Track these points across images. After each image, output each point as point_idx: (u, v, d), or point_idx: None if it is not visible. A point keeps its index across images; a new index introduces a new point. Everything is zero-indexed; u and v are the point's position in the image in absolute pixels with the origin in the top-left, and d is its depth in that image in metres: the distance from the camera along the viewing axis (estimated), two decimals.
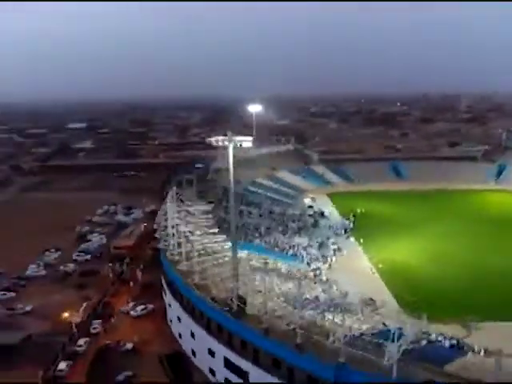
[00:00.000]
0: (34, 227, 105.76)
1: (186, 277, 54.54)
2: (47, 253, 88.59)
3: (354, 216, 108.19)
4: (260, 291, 48.28)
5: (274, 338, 42.21)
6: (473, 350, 52.20)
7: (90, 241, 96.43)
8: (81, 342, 57.03)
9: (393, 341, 34.79)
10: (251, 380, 44.00)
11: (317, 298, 53.94)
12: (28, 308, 66.97)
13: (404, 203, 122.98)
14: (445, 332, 56.15)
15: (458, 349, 52.80)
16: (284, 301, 49.58)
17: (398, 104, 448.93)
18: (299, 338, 39.97)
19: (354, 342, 39.07)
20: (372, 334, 41.30)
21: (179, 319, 56.71)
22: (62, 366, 51.99)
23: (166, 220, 65.61)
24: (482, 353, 51.36)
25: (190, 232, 59.22)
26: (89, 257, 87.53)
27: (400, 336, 41.47)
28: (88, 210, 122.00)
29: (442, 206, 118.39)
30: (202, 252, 57.30)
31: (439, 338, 54.31)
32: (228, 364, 46.69)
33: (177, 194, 73.45)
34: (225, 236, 63.10)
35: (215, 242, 60.58)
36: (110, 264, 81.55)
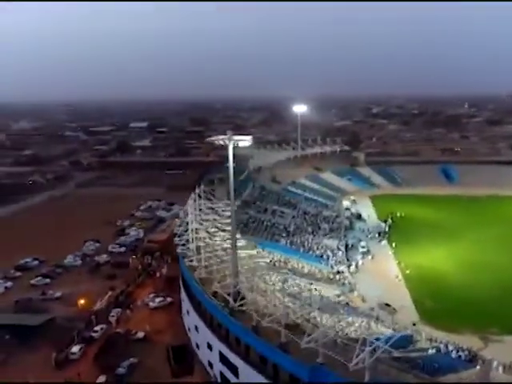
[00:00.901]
0: (82, 220, 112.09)
1: (195, 271, 56.06)
2: (87, 244, 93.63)
3: (391, 219, 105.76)
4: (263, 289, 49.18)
5: (262, 335, 42.73)
6: (483, 363, 50.07)
7: (127, 234, 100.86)
8: (97, 328, 60.20)
9: (364, 345, 34.11)
10: (240, 375, 44.75)
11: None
12: (58, 294, 71.45)
13: (449, 208, 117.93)
14: (460, 343, 54.27)
15: (469, 361, 50.80)
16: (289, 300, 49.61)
17: (466, 106, 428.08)
18: (283, 337, 40.25)
19: (335, 343, 38.94)
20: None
21: (188, 312, 58.40)
22: (75, 349, 55.22)
23: (185, 216, 67.49)
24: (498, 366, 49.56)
25: (202, 228, 60.74)
26: (123, 249, 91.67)
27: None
28: (134, 205, 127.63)
29: (490, 213, 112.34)
30: (215, 248, 58.44)
31: (450, 348, 52.53)
32: (222, 358, 47.68)
33: (204, 192, 75.49)
34: (239, 234, 64.04)
35: (228, 239, 61.43)
36: (134, 256, 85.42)
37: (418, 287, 71.48)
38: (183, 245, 61.38)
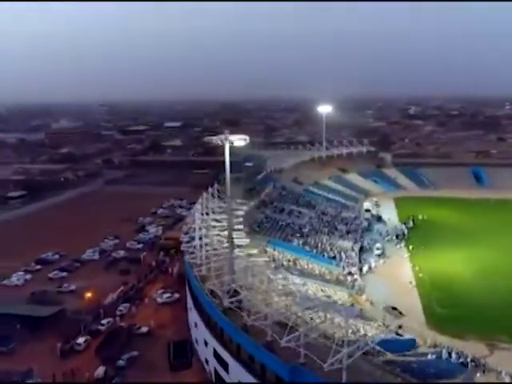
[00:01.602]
0: (106, 216, 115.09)
1: (196, 269, 56.75)
2: (106, 240, 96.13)
3: (413, 222, 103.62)
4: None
5: (253, 334, 42.87)
6: (484, 371, 48.69)
7: (147, 231, 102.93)
8: (104, 321, 61.83)
9: (342, 346, 33.79)
10: (231, 373, 45.09)
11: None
12: (72, 287, 73.77)
13: (475, 212, 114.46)
14: (465, 349, 52.79)
15: (472, 367, 49.39)
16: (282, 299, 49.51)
17: (507, 106, 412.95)
18: (269, 337, 40.35)
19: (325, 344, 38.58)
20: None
21: (191, 309, 59.19)
22: (80, 340, 57.01)
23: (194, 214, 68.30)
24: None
25: (209, 226, 61.45)
26: (140, 246, 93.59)
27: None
28: (157, 203, 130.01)
29: None
30: (216, 247, 58.98)
31: (453, 354, 51.13)
32: (215, 354, 48.18)
33: (218, 191, 76.25)
34: (244, 233, 64.44)
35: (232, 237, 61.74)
36: (145, 253, 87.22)
37: (429, 292, 69.81)
38: (188, 242, 62.27)
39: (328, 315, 42.32)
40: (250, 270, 49.31)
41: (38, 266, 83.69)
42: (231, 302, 45.40)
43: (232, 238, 51.54)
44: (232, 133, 51.03)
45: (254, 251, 61.18)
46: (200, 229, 59.59)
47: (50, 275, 79.28)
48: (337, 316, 43.12)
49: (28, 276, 79.23)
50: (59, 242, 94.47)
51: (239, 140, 47.92)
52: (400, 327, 54.19)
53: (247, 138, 48.66)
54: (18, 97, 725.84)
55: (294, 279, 57.37)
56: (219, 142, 48.83)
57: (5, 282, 75.98)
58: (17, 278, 77.56)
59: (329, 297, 55.29)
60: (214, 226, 65.23)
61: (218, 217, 68.91)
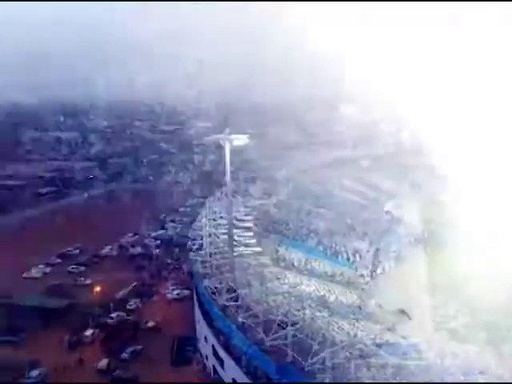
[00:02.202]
0: (129, 213, 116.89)
1: (202, 266, 57.46)
2: (126, 236, 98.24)
3: (435, 225, 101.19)
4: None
5: (248, 332, 43.19)
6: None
7: (166, 229, 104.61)
8: (113, 315, 63.45)
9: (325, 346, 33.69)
10: (226, 371, 45.58)
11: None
12: (87, 281, 75.93)
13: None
14: (471, 355, 51.31)
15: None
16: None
17: None
18: (261, 335, 40.52)
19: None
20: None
21: (195, 306, 59.99)
22: (88, 333, 58.78)
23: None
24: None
25: (217, 224, 62.16)
26: (158, 243, 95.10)
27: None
28: (181, 201, 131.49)
29: None
30: (221, 244, 59.51)
31: (456, 360, 49.87)
32: (214, 352, 48.79)
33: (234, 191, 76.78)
34: (251, 233, 64.87)
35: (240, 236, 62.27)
36: (158, 250, 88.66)
37: (442, 296, 68.31)
38: (194, 239, 63.15)
39: (324, 315, 42.22)
40: (249, 269, 49.80)
41: (59, 260, 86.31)
42: (227, 300, 45.82)
43: (232, 237, 51.86)
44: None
45: (259, 250, 61.56)
46: (206, 226, 60.24)
47: (69, 269, 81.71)
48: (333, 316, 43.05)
49: (48, 269, 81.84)
50: (82, 237, 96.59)
51: (239, 140, 47.98)
52: (389, 330, 53.36)
53: (247, 137, 48.73)
54: None
55: (297, 279, 57.27)
56: (221, 142, 49.15)
57: (24, 274, 78.73)
58: (36, 271, 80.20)
59: (323, 296, 54.78)
60: (221, 224, 65.64)
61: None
